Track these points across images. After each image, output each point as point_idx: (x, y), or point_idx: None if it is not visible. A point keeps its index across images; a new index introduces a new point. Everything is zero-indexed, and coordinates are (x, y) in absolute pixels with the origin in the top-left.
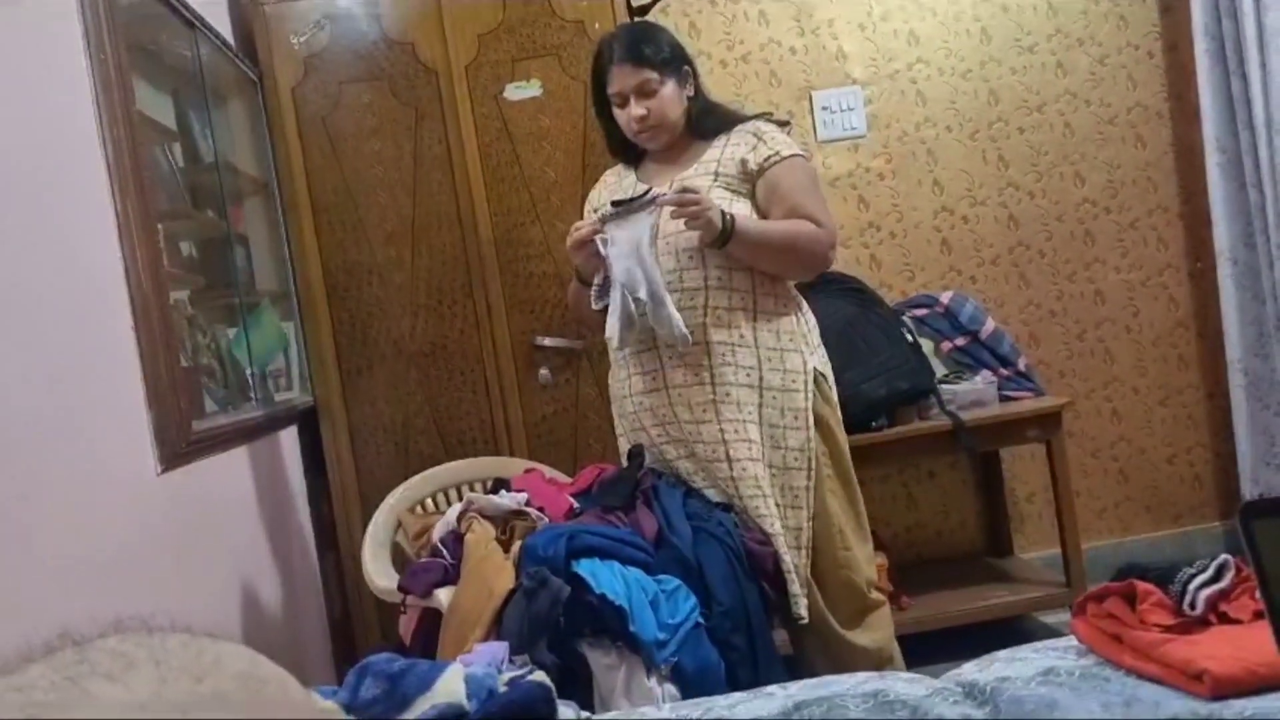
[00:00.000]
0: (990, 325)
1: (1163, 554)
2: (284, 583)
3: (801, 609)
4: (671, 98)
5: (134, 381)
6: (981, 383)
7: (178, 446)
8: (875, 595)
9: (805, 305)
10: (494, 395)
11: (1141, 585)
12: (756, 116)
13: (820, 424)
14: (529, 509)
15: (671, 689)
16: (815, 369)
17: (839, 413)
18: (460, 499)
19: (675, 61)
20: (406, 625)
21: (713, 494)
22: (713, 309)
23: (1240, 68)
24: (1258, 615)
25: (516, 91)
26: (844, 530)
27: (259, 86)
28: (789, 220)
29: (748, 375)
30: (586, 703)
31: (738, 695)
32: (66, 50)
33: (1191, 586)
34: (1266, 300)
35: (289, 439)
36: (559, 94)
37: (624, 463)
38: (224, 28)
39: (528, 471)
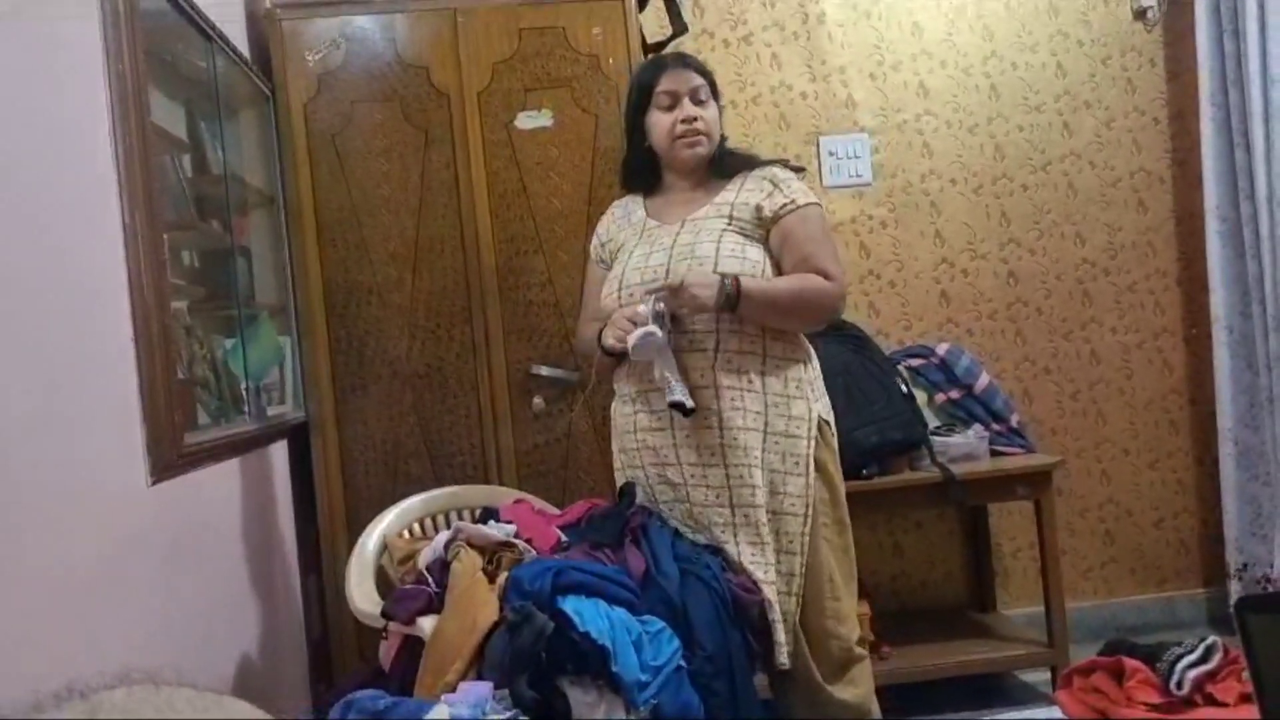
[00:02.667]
0: (985, 379)
1: (1146, 618)
2: (266, 598)
3: (783, 658)
4: (715, 116)
5: (130, 393)
6: (973, 437)
7: (169, 459)
8: (859, 649)
9: (813, 352)
10: (486, 421)
11: (1129, 662)
12: (773, 162)
13: (820, 470)
14: (517, 540)
15: None
16: (819, 416)
17: (838, 459)
18: (448, 525)
19: (718, 93)
20: (387, 651)
21: (701, 539)
22: (723, 353)
23: (1244, 139)
24: (1243, 698)
25: (527, 120)
26: (834, 579)
27: (271, 101)
28: (796, 276)
29: (754, 420)
30: None
31: None
32: (85, 58)
33: (1179, 666)
34: (1260, 371)
35: (279, 454)
36: (569, 125)
37: (616, 497)
38: (240, 41)
39: (517, 502)
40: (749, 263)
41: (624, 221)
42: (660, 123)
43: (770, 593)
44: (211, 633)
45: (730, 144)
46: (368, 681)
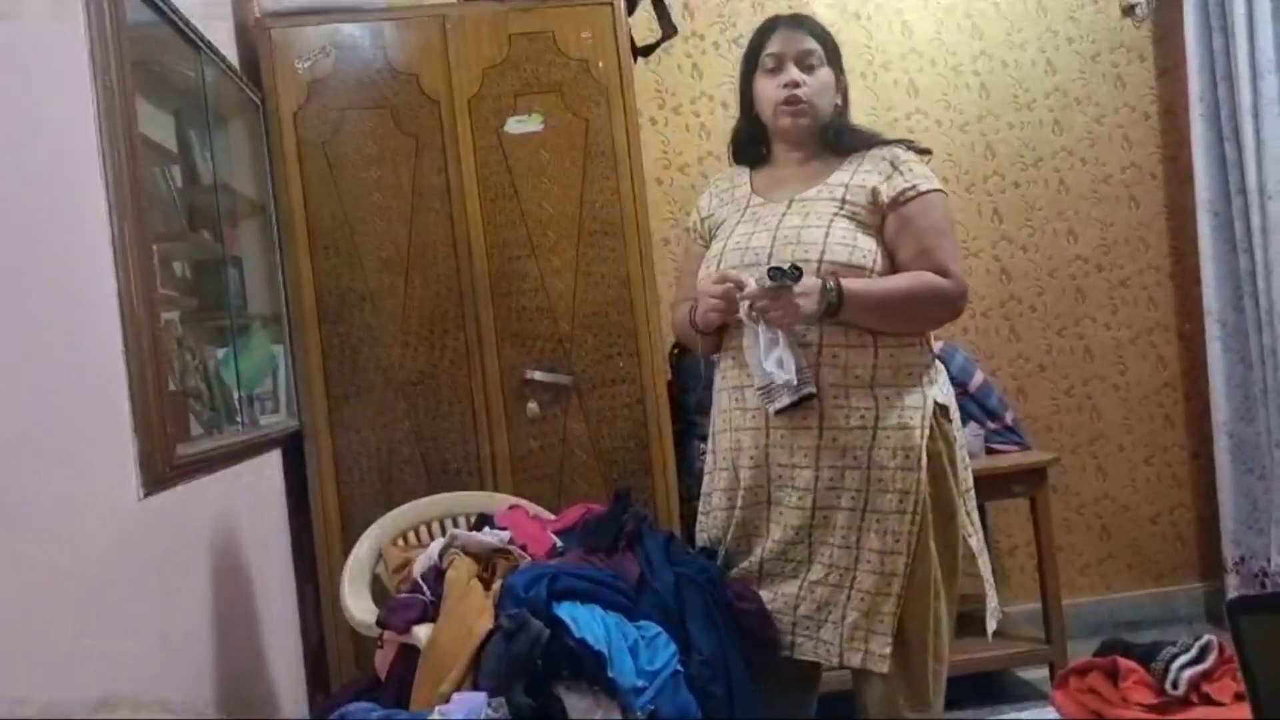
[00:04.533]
0: (979, 378)
1: (1144, 613)
2: (261, 610)
3: (874, 664)
4: (827, 83)
5: (121, 406)
6: (969, 435)
7: (161, 471)
8: (936, 665)
9: (929, 338)
10: (481, 427)
11: (1124, 662)
12: (896, 142)
13: (932, 463)
14: (512, 547)
15: None
16: (935, 402)
17: (955, 447)
18: (443, 532)
19: (837, 57)
20: (383, 660)
21: (779, 545)
22: (828, 347)
23: (1234, 134)
24: (1239, 697)
25: (518, 125)
26: (937, 578)
27: (261, 110)
28: (909, 275)
29: (861, 418)
30: None
31: None
32: (72, 66)
33: (1174, 666)
34: (1254, 364)
35: (272, 464)
36: (560, 130)
37: (611, 501)
38: (229, 50)
39: (512, 508)
40: (859, 252)
41: (727, 196)
42: (764, 88)
43: (830, 595)
44: (207, 645)
45: (853, 120)
46: (364, 691)
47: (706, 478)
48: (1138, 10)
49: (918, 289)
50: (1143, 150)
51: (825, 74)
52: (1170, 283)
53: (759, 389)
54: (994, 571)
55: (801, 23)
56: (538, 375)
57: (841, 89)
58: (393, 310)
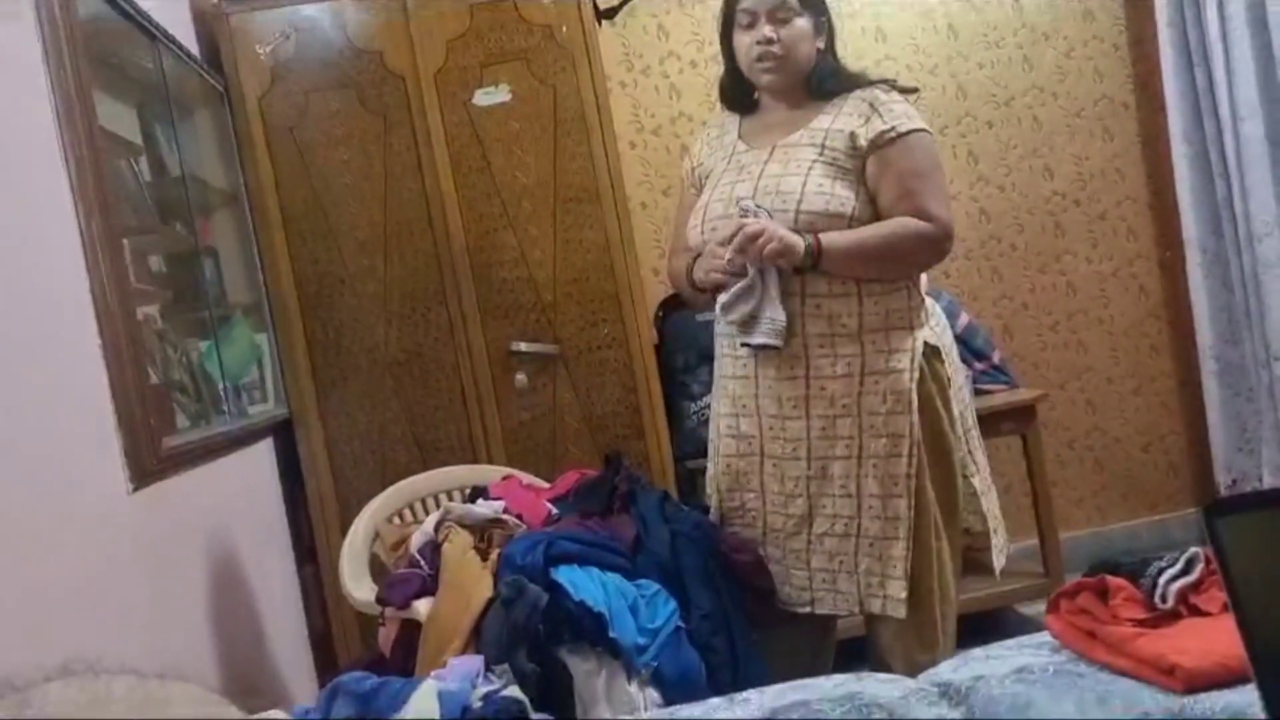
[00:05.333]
0: (964, 319)
1: (1140, 542)
2: (263, 597)
3: (892, 609)
4: (803, 33)
5: (102, 400)
6: None
7: (148, 464)
8: (944, 607)
9: (915, 278)
10: (470, 402)
11: (1113, 580)
12: (877, 82)
13: (924, 405)
14: (507, 516)
15: (653, 694)
16: (925, 343)
17: (949, 387)
18: (438, 508)
19: (815, 5)
20: (385, 637)
21: (779, 497)
22: (811, 297)
23: (1204, 59)
24: (1226, 607)
25: (485, 97)
26: (937, 518)
27: (225, 97)
28: (888, 222)
29: (847, 365)
30: (568, 709)
31: (714, 701)
32: (25, 65)
33: (1162, 580)
34: (1235, 288)
35: (264, 452)
36: (528, 98)
37: (603, 464)
38: (188, 39)
39: (505, 478)
40: (836, 200)
41: (717, 144)
42: (740, 43)
43: (849, 546)
44: (208, 634)
45: (842, 64)
46: (369, 669)
47: (711, 428)
48: None
49: (897, 235)
50: (1114, 82)
51: (801, 24)
52: (1149, 212)
53: (737, 320)
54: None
55: None
56: (523, 346)
57: (825, 32)
58: (374, 291)
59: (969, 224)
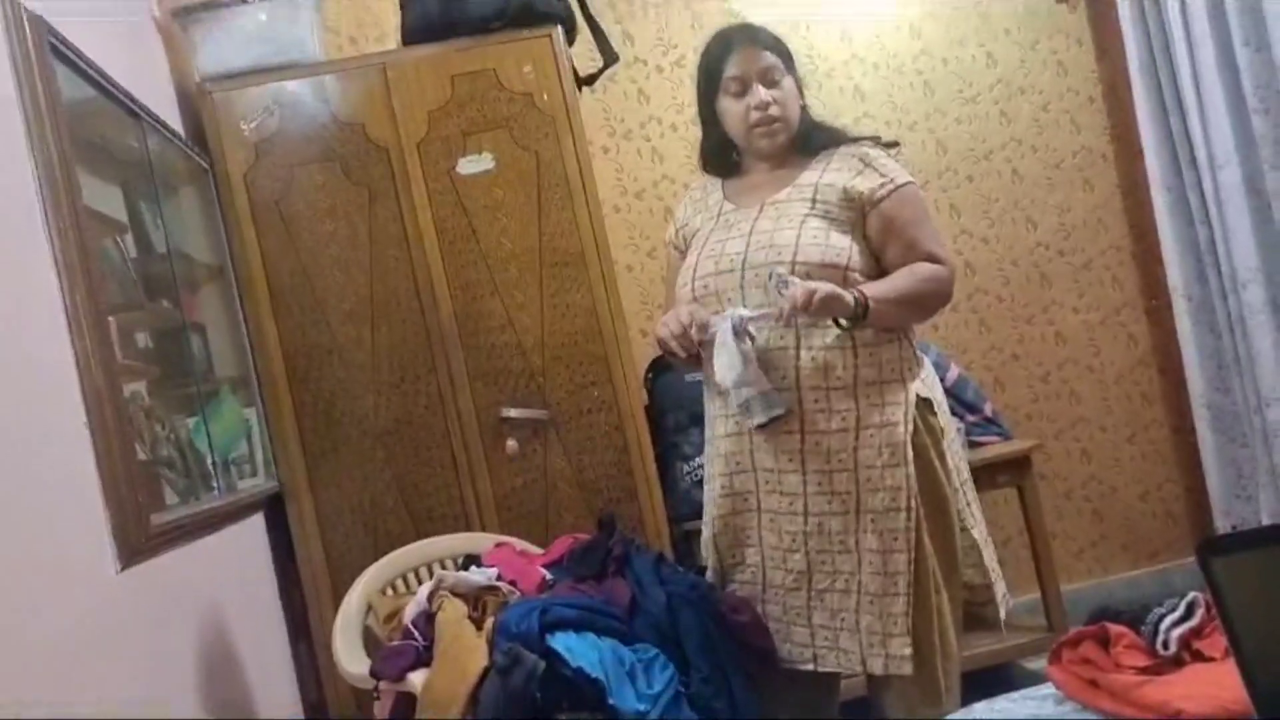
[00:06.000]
0: (954, 372)
1: (1143, 592)
2: (255, 674)
3: (895, 667)
4: (793, 92)
5: (89, 478)
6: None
7: (136, 542)
8: (946, 663)
9: (910, 330)
10: (462, 470)
11: (1114, 628)
12: (862, 139)
13: (919, 457)
14: (501, 584)
15: None
16: (917, 396)
17: (943, 439)
18: (432, 578)
19: (792, 60)
20: (381, 711)
21: (777, 553)
22: (807, 350)
23: (1178, 106)
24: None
25: (469, 165)
26: (936, 571)
27: (210, 173)
28: (908, 271)
29: (842, 420)
30: None
31: None
32: (9, 147)
33: (1163, 626)
34: (1223, 334)
35: (255, 527)
36: (512, 165)
37: (597, 528)
38: (173, 117)
39: (498, 546)
40: (831, 250)
41: (701, 205)
42: (733, 111)
43: (840, 602)
44: (200, 714)
45: (814, 116)
46: None
47: (705, 490)
48: None
49: (924, 280)
50: (1091, 133)
51: (789, 84)
52: (1133, 261)
53: (738, 406)
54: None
55: (755, 36)
56: (513, 413)
57: (801, 90)
58: (362, 361)
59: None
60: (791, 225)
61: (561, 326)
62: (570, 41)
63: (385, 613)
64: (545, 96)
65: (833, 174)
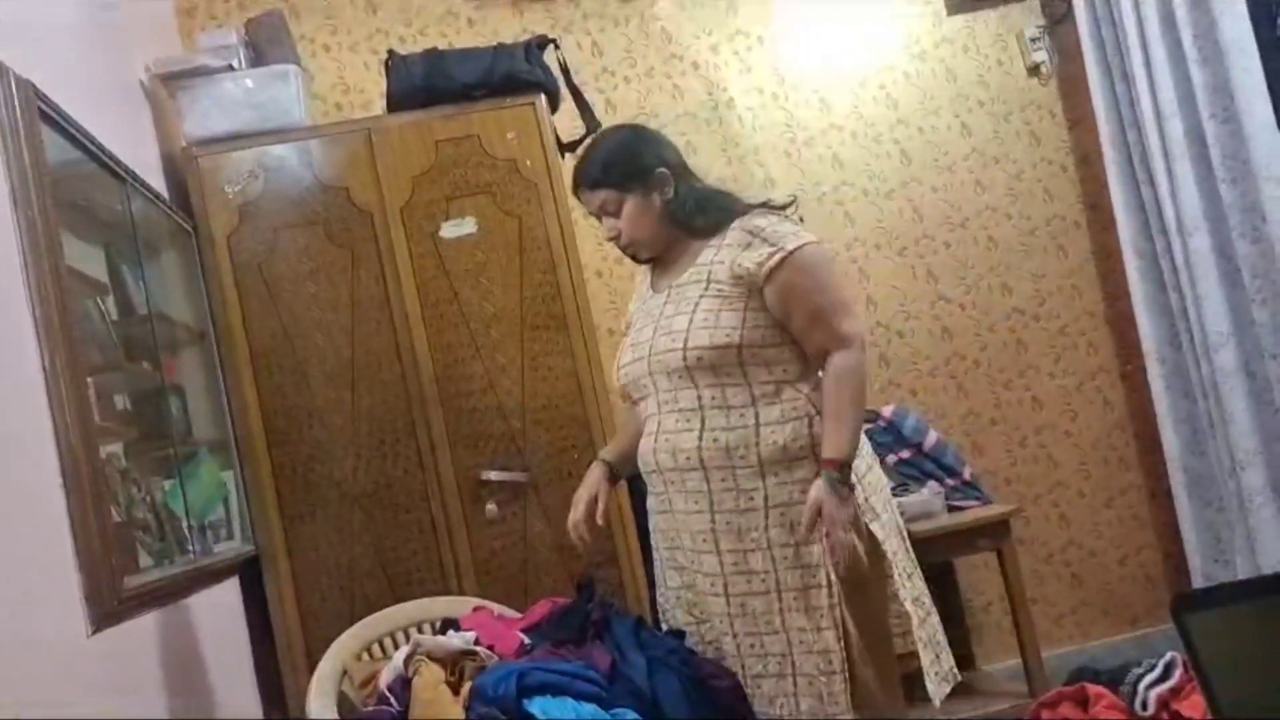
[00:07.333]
0: (933, 437)
1: (1123, 658)
2: None
3: None
4: (634, 214)
5: (62, 539)
6: (928, 494)
7: (109, 605)
8: None
9: (817, 404)
10: (441, 533)
11: (1092, 688)
12: (755, 207)
13: None
14: (478, 648)
15: None
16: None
17: (862, 515)
18: (408, 642)
19: (638, 173)
20: None
21: (708, 629)
22: (710, 431)
23: (1149, 176)
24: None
25: (452, 230)
26: (862, 648)
27: (194, 236)
28: (835, 384)
29: (750, 499)
30: None
31: None
32: None
33: (1141, 686)
34: (1197, 398)
35: (230, 591)
36: (494, 230)
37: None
38: (157, 181)
39: (476, 609)
40: (720, 332)
41: (639, 292)
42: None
43: (776, 687)
44: None
45: (711, 191)
46: None
47: (655, 565)
48: (1042, 69)
49: (849, 388)
50: (1064, 201)
51: (630, 205)
52: (1107, 326)
53: None
54: (969, 631)
55: (584, 178)
56: (493, 475)
57: (665, 181)
58: (341, 424)
59: (932, 342)
60: (686, 310)
61: (542, 390)
62: (554, 109)
63: (361, 678)
64: (528, 163)
65: (725, 251)
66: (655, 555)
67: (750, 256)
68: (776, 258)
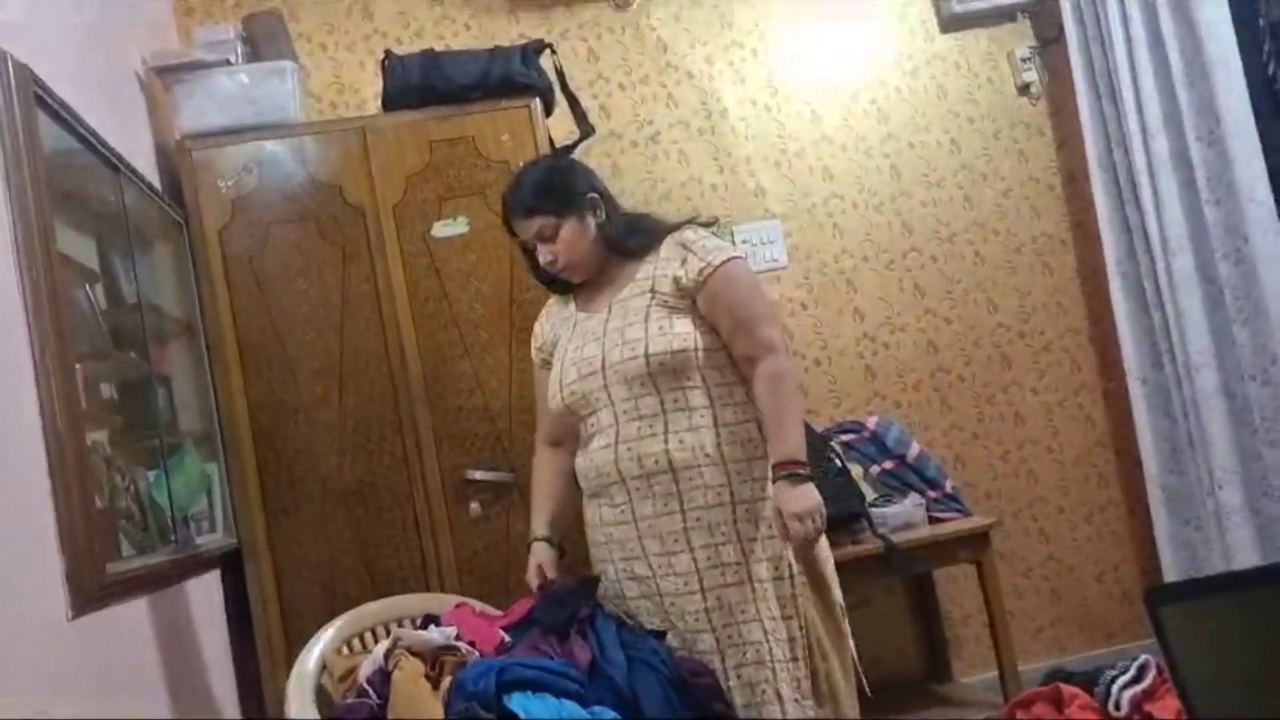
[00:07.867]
0: (916, 448)
1: None
2: None
3: None
4: (571, 237)
5: (47, 525)
6: (910, 505)
7: (90, 591)
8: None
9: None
10: (424, 531)
11: (1067, 689)
12: (684, 224)
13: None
14: (459, 644)
15: None
16: None
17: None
18: (388, 637)
19: (571, 198)
20: None
21: (673, 638)
22: (674, 433)
23: (1134, 195)
24: (1181, 715)
25: (443, 229)
26: (821, 639)
27: (185, 229)
28: (770, 390)
29: (718, 495)
30: None
31: None
32: None
33: (1115, 688)
34: (1177, 418)
35: (211, 583)
36: (486, 231)
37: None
38: (151, 172)
39: (458, 606)
40: (677, 338)
41: (559, 319)
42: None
43: (759, 675)
44: None
45: (639, 214)
46: None
47: (607, 579)
48: (1032, 88)
49: (784, 392)
50: (1050, 219)
51: (566, 231)
52: (1090, 344)
53: None
54: (948, 643)
55: (518, 205)
56: (478, 475)
57: (593, 214)
58: (328, 420)
59: (918, 355)
60: (638, 319)
61: (529, 391)
62: (548, 113)
63: (340, 672)
64: (522, 164)
65: (664, 264)
66: (605, 570)
67: (686, 270)
68: (707, 271)
